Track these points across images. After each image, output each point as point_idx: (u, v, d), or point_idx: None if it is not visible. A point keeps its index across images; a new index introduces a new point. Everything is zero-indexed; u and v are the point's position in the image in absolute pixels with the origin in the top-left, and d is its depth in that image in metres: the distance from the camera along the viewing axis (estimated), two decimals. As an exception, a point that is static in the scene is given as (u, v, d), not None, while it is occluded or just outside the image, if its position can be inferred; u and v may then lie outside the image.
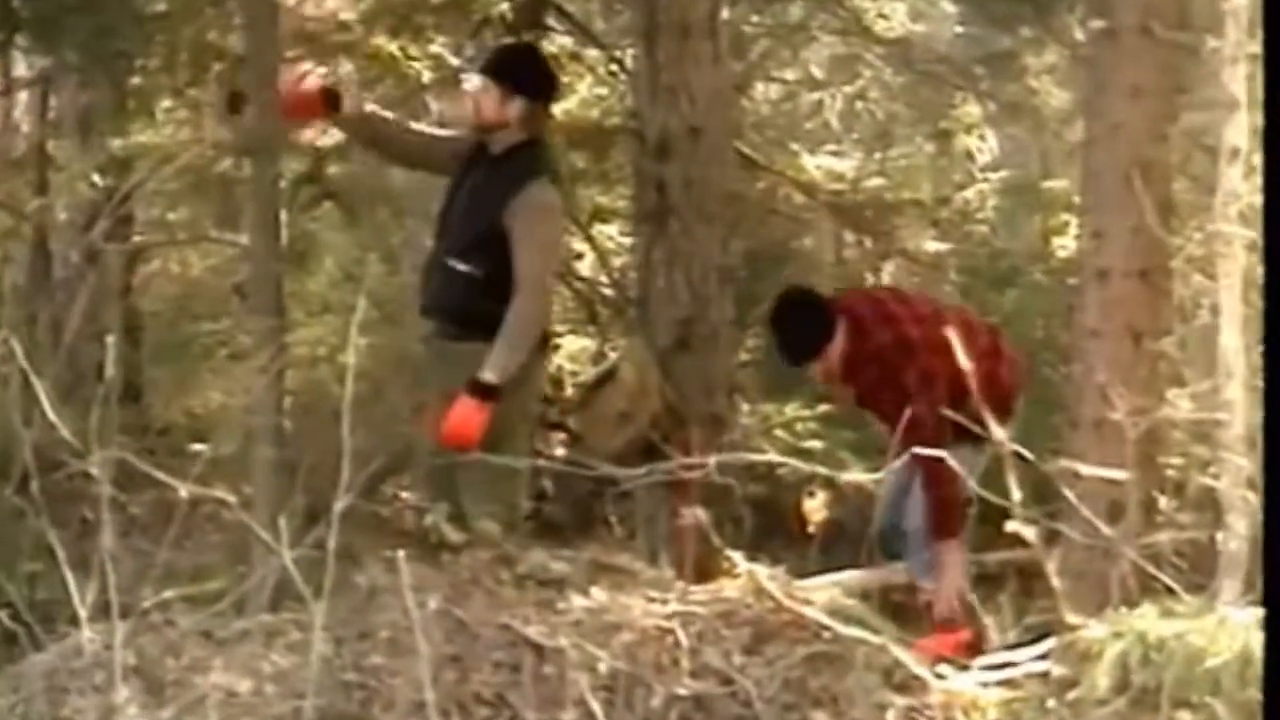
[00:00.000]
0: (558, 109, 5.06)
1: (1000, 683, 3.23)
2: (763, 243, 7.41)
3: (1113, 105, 3.93)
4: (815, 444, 6.40)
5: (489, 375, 4.32)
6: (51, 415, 3.53)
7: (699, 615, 3.37)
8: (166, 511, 3.49)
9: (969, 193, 7.97)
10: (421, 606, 3.27)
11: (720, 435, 5.13)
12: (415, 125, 5.14)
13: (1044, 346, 6.44)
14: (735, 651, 3.28)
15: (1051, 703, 3.05)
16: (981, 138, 8.21)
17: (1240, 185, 3.42)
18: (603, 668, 3.22)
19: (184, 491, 3.30)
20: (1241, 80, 3.41)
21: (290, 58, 6.08)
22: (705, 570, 3.93)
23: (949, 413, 3.73)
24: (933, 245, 7.57)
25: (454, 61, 6.71)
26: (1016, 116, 7.97)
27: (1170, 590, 3.26)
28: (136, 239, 8.06)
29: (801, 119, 8.43)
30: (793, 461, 3.93)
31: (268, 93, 4.57)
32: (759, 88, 8.17)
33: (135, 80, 6.68)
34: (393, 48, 6.64)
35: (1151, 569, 3.33)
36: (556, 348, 6.32)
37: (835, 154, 7.87)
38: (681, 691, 3.20)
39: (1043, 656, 3.20)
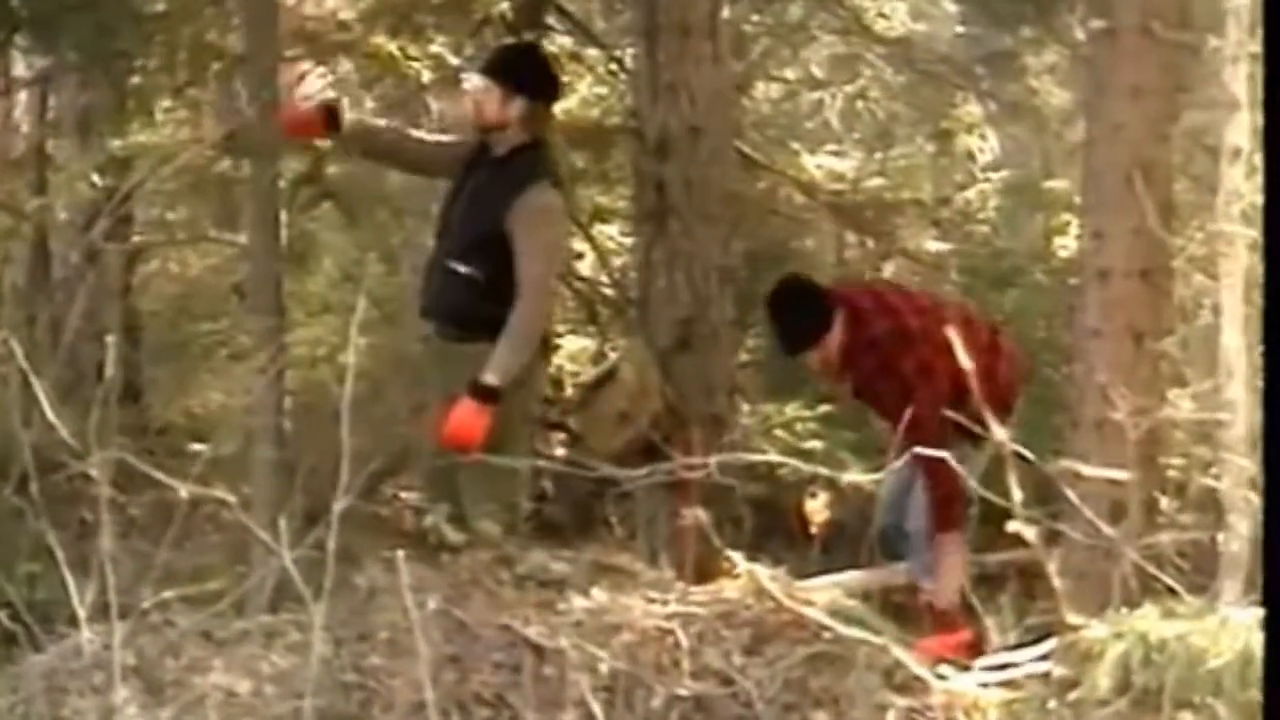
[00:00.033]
0: (558, 109, 5.05)
1: (1001, 683, 3.22)
2: (763, 243, 7.40)
3: (1114, 105, 3.93)
4: (815, 444, 6.40)
5: (490, 377, 4.32)
6: (51, 415, 3.52)
7: (699, 616, 3.36)
8: (166, 512, 3.48)
9: (970, 193, 7.97)
10: (421, 607, 3.27)
11: (720, 435, 5.12)
12: (414, 133, 5.13)
13: (1045, 347, 6.43)
14: (736, 652, 3.28)
15: (1053, 703, 3.04)
16: (982, 137, 8.21)
17: (1242, 185, 3.41)
18: (603, 668, 3.22)
19: (183, 492, 3.29)
20: (1243, 80, 3.41)
21: (290, 57, 6.09)
22: (705, 571, 3.92)
23: (949, 413, 3.71)
24: (934, 245, 7.57)
25: (454, 61, 6.71)
26: (1017, 116, 7.97)
27: (1172, 591, 3.25)
28: (136, 239, 8.06)
29: (802, 119, 8.44)
30: (793, 462, 3.92)
31: (267, 92, 4.56)
32: (759, 87, 8.17)
33: (134, 80, 6.68)
34: (392, 47, 6.64)
35: (1153, 569, 3.32)
36: (556, 348, 6.31)
37: (836, 154, 7.87)
38: (682, 692, 3.19)
39: (1044, 657, 3.19)
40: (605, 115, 6.93)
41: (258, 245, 4.66)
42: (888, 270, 7.85)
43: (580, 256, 7.13)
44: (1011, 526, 3.02)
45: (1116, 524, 3.49)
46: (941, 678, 3.22)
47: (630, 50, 5.94)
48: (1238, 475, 3.35)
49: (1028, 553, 3.13)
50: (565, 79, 5.76)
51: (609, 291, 7.07)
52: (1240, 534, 3.32)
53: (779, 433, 6.52)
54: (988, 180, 8.06)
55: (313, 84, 7.59)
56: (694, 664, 3.24)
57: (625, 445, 4.92)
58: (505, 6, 6.63)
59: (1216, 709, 2.86)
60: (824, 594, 3.63)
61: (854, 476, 4.47)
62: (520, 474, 4.48)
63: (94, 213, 7.16)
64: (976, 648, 3.68)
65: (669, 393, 5.07)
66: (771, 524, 5.64)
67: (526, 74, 4.61)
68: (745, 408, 6.49)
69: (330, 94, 7.65)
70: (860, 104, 8.34)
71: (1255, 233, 3.33)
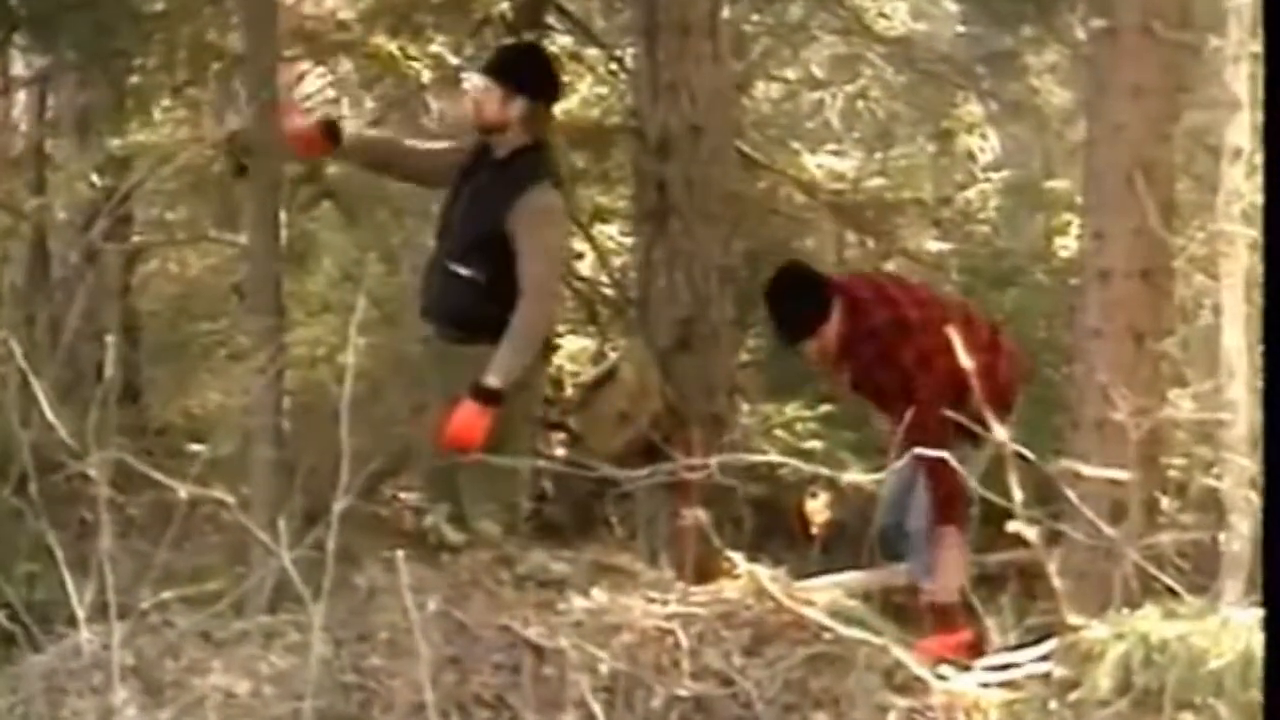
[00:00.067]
0: (558, 109, 5.04)
1: (1002, 684, 3.22)
2: (764, 242, 7.39)
3: (1114, 105, 3.92)
4: (816, 444, 6.39)
5: (493, 379, 4.31)
6: (50, 416, 3.52)
7: (699, 616, 3.36)
8: (165, 512, 3.48)
9: (970, 192, 7.96)
10: (421, 608, 3.26)
11: (721, 436, 5.12)
12: (412, 142, 5.10)
13: (1046, 347, 6.42)
14: (736, 653, 3.27)
15: (1053, 704, 3.04)
16: (983, 137, 8.20)
17: (1243, 185, 3.41)
18: (603, 669, 3.22)
19: (182, 492, 3.29)
20: (1244, 79, 3.40)
21: (289, 56, 6.08)
22: (706, 571, 3.92)
23: (950, 413, 3.70)
24: (934, 245, 7.56)
25: (454, 61, 6.70)
26: (1018, 116, 7.97)
27: (1172, 591, 3.25)
28: (135, 239, 8.04)
29: (802, 118, 8.43)
30: (793, 462, 3.91)
31: (267, 91, 4.56)
32: (760, 87, 8.16)
33: (134, 79, 6.67)
34: (392, 47, 6.64)
35: (1154, 570, 3.32)
36: (556, 348, 6.31)
37: (836, 153, 7.86)
38: (682, 693, 3.19)
39: (1044, 657, 3.19)
40: (605, 115, 6.93)
41: (257, 245, 4.65)
42: (888, 270, 7.84)
43: (580, 256, 7.13)
44: (1012, 527, 3.02)
45: (1117, 524, 3.49)
46: (942, 678, 3.21)
47: (630, 50, 5.94)
48: (1239, 475, 3.34)
49: (1028, 553, 3.13)
50: (565, 79, 5.76)
51: (609, 291, 7.06)
52: (1241, 534, 3.32)
53: (779, 433, 6.51)
54: (988, 180, 8.05)
55: (312, 83, 7.61)
56: (694, 664, 3.24)
57: (625, 445, 4.91)
58: (505, 6, 6.62)
59: (1218, 710, 2.85)
60: (824, 594, 3.62)
61: (854, 477, 4.46)
62: (520, 474, 4.48)
63: (93, 212, 7.15)
64: (977, 648, 3.68)
65: (669, 393, 5.06)
66: (772, 524, 5.63)
67: (527, 74, 4.61)
68: (745, 408, 6.49)
69: (329, 100, 7.70)
70: (861, 104, 8.34)
71: (1256, 232, 3.32)
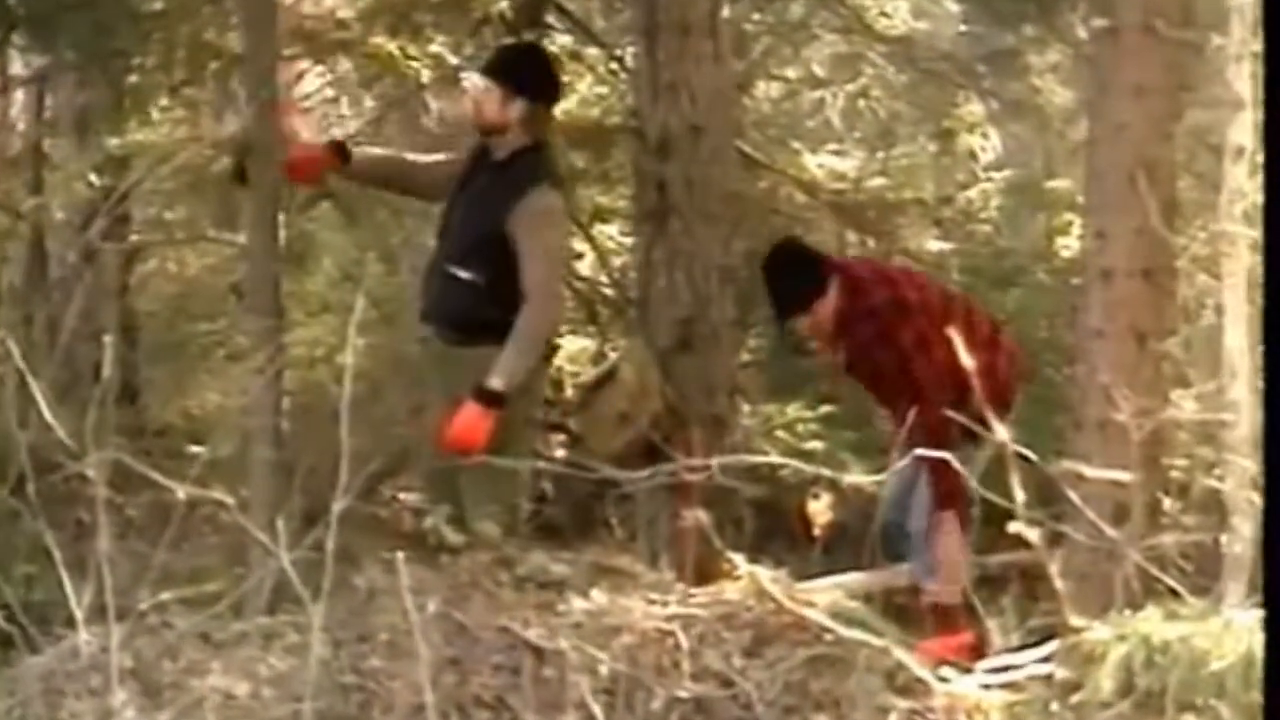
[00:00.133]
0: (558, 109, 5.03)
1: (1003, 685, 3.21)
2: (764, 242, 7.35)
3: (1116, 104, 3.91)
4: (816, 445, 6.38)
5: (496, 382, 4.30)
6: (48, 416, 3.51)
7: (700, 617, 3.35)
8: (163, 513, 3.47)
9: (972, 192, 7.95)
10: (421, 609, 3.26)
11: (721, 436, 5.11)
12: (411, 157, 5.06)
13: (1047, 347, 6.42)
14: (736, 654, 3.27)
15: (1055, 706, 3.03)
16: (984, 136, 8.19)
17: (1245, 184, 3.40)
18: (603, 670, 3.21)
19: (181, 493, 3.28)
20: (1246, 78, 3.40)
21: (288, 56, 6.07)
22: (706, 572, 3.91)
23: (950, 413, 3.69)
24: (935, 245, 7.54)
25: (453, 60, 6.69)
26: (1020, 115, 7.96)
27: (1174, 593, 3.24)
28: (133, 238, 8.03)
29: (803, 118, 8.42)
30: (795, 463, 3.90)
31: (266, 91, 4.55)
32: (760, 86, 8.14)
33: (132, 79, 6.66)
34: (391, 46, 6.63)
35: (1156, 571, 3.31)
36: (557, 349, 6.30)
37: (837, 153, 7.84)
38: (682, 694, 3.18)
39: (1046, 659, 3.18)
40: (605, 115, 6.92)
41: (256, 245, 4.64)
42: (889, 265, 7.83)
43: (580, 256, 7.12)
44: (1014, 528, 3.01)
45: (1119, 525, 3.47)
46: (943, 680, 3.20)
47: (630, 49, 5.93)
48: (1241, 476, 3.34)
49: (1030, 554, 3.11)
50: (565, 79, 5.75)
51: (609, 291, 7.05)
52: (1243, 535, 3.31)
53: (780, 434, 6.50)
54: (990, 179, 8.04)
55: (311, 83, 7.60)
56: (694, 666, 3.23)
57: (625, 446, 4.90)
58: (505, 5, 6.61)
59: (1219, 711, 2.85)
60: (825, 596, 3.61)
61: (855, 478, 4.46)
62: (520, 475, 4.47)
63: (91, 212, 7.14)
64: (978, 649, 3.67)
65: (669, 393, 5.05)
66: (773, 525, 5.62)
67: (527, 75, 4.59)
68: (746, 408, 6.47)
69: (328, 99, 7.69)
70: (862, 103, 8.32)
71: (1258, 232, 3.31)
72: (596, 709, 3.13)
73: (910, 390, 4.43)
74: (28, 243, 7.75)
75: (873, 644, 3.22)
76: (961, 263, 7.45)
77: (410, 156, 5.06)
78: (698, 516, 3.75)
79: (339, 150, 4.78)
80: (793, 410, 6.65)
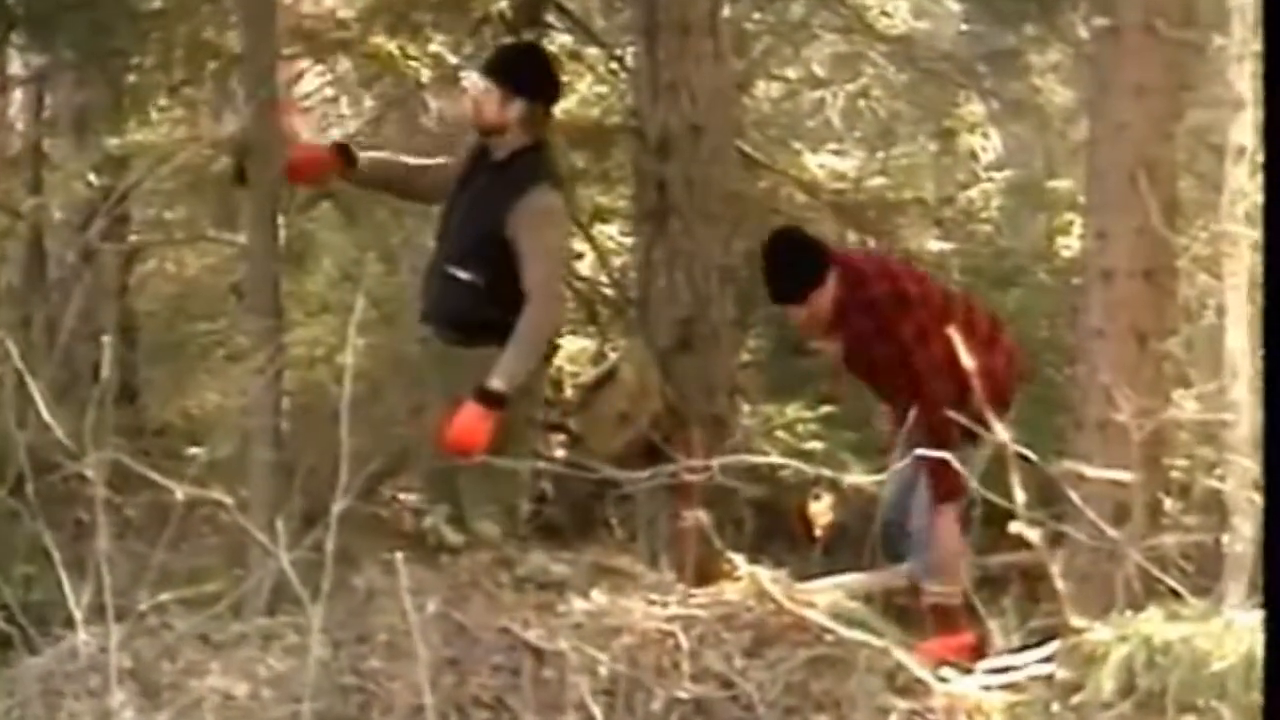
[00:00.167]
0: (558, 109, 5.02)
1: (1004, 686, 3.21)
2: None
3: (1117, 104, 3.90)
4: (816, 445, 6.38)
5: (498, 383, 4.29)
6: (47, 416, 3.50)
7: (700, 618, 3.35)
8: (162, 513, 3.46)
9: (972, 192, 7.94)
10: (420, 609, 3.25)
11: (721, 437, 5.10)
12: (411, 160, 5.05)
13: (1048, 347, 6.41)
14: (736, 655, 3.27)
15: (1055, 706, 3.03)
16: (985, 136, 8.19)
17: (1246, 184, 3.40)
18: (603, 671, 3.21)
19: (180, 493, 3.27)
20: (1247, 78, 3.40)
21: (287, 55, 6.07)
22: (706, 573, 3.91)
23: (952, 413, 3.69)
24: (936, 245, 7.53)
25: (453, 60, 6.69)
26: (1020, 115, 7.95)
27: (1175, 593, 3.24)
28: (133, 238, 8.03)
29: (803, 117, 8.41)
30: (795, 463, 3.90)
31: (265, 90, 4.54)
32: (760, 86, 8.14)
33: (131, 78, 6.65)
34: (391, 46, 6.62)
35: (1156, 572, 3.30)
36: (557, 349, 6.30)
37: (837, 153, 7.84)
38: (682, 695, 3.18)
39: (1047, 659, 3.18)
40: (605, 114, 6.91)
41: (256, 245, 4.64)
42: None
43: (580, 256, 7.11)
44: (1014, 528, 3.01)
45: (1120, 526, 3.47)
46: (944, 680, 3.20)
47: (630, 49, 5.92)
48: (1242, 477, 3.33)
49: (1031, 555, 3.12)
50: (565, 78, 5.74)
51: (609, 291, 7.05)
52: (1244, 536, 3.31)
53: (780, 434, 6.49)
54: (990, 179, 8.03)
55: (310, 82, 7.59)
56: (694, 666, 3.23)
57: (625, 446, 4.90)
58: (504, 5, 6.61)
59: (1220, 712, 2.84)
60: (826, 596, 3.61)
61: (855, 478, 4.45)
62: (520, 475, 4.47)
63: (90, 212, 7.13)
64: (979, 650, 3.67)
65: (669, 393, 5.05)
66: (773, 525, 5.62)
67: (527, 75, 4.58)
68: (746, 408, 6.47)
69: (328, 99, 7.68)
70: (862, 103, 8.32)
71: (1259, 232, 3.31)
72: (596, 710, 3.12)
73: (910, 383, 4.43)
74: (26, 243, 7.74)
75: (873, 645, 3.22)
76: (962, 263, 7.44)
77: (409, 160, 5.05)
78: (698, 517, 3.75)
79: (344, 154, 4.75)
80: (793, 410, 6.64)
